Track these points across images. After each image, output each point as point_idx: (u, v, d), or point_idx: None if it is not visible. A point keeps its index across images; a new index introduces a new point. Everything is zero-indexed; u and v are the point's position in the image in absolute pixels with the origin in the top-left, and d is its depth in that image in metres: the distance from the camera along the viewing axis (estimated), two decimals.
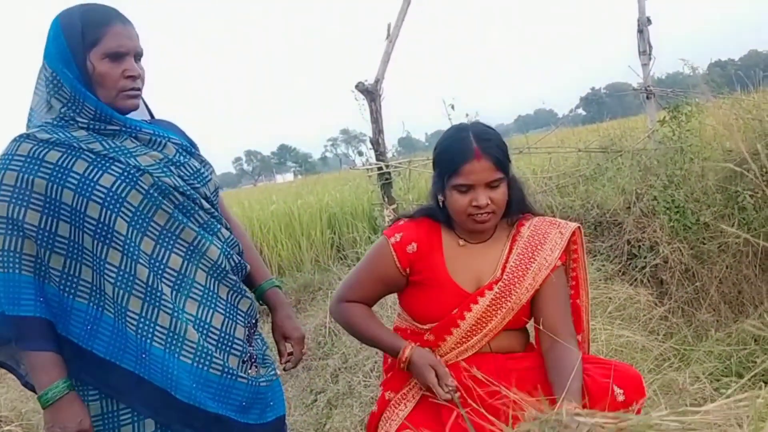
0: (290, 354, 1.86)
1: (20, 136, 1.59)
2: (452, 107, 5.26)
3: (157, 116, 1.85)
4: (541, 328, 1.83)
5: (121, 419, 1.59)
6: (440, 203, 1.89)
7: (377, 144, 5.30)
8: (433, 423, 1.78)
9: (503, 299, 1.83)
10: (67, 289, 1.57)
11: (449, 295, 1.86)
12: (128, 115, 1.67)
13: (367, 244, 5.73)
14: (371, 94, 5.19)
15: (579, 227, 1.94)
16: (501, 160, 1.80)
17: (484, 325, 1.84)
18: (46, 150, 1.56)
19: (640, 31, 5.63)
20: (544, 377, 1.79)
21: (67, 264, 1.57)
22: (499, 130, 1.91)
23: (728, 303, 4.03)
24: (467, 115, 5.49)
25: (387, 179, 5.24)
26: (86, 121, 1.60)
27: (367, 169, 5.46)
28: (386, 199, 5.25)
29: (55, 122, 1.61)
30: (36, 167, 1.54)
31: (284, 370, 1.90)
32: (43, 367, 1.53)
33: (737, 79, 6.04)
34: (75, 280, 1.57)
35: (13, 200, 1.53)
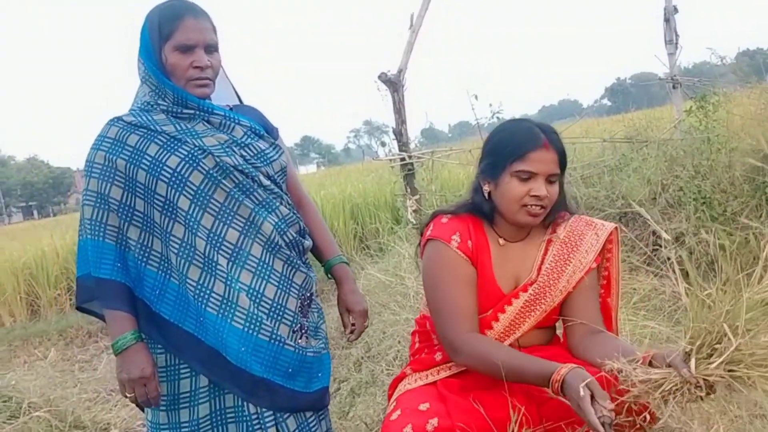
0: (353, 325, 1.99)
1: (112, 119, 1.81)
2: (476, 98, 5.25)
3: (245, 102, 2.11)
4: (568, 321, 1.83)
5: (181, 373, 1.80)
6: (486, 194, 1.84)
7: (400, 135, 5.31)
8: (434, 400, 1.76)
9: (537, 302, 1.82)
10: (141, 257, 1.78)
11: (488, 295, 1.83)
12: (210, 101, 1.84)
13: (389, 234, 5.73)
14: (394, 84, 5.19)
15: (616, 228, 1.91)
16: (563, 156, 1.81)
17: (517, 327, 1.82)
18: (129, 133, 1.77)
19: (667, 20, 5.57)
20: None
21: (141, 235, 1.78)
22: None
23: None
24: (491, 105, 5.49)
25: (410, 170, 5.25)
26: (166, 105, 1.79)
27: (390, 160, 5.48)
28: (409, 190, 5.26)
29: (143, 107, 1.81)
30: (119, 149, 1.76)
31: (348, 341, 2.07)
32: (115, 321, 1.75)
33: (766, 69, 5.95)
34: (148, 249, 1.78)
35: (102, 177, 1.76)
